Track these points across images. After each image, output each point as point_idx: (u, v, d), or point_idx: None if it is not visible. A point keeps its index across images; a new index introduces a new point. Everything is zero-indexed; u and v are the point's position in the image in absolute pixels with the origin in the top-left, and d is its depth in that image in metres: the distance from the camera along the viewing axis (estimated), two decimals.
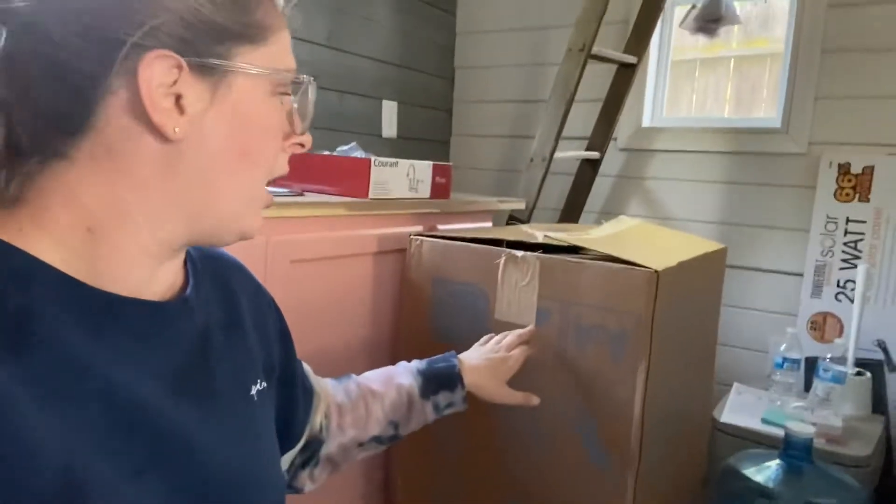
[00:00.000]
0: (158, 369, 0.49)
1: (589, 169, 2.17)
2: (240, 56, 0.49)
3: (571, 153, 2.06)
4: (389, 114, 2.21)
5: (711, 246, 1.37)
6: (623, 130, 2.21)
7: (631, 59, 2.04)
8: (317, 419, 0.76)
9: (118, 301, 0.47)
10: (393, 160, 1.34)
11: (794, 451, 1.32)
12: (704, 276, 1.33)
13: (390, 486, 1.40)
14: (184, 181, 0.49)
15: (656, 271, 1.01)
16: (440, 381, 0.84)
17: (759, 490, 1.31)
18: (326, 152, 1.46)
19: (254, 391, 0.59)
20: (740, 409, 1.66)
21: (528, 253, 1.12)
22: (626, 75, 2.08)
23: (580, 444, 1.10)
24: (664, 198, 2.17)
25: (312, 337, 1.23)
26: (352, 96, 2.07)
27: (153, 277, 0.51)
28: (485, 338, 0.99)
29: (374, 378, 0.84)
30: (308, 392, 0.75)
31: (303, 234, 1.18)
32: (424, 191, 1.45)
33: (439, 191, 1.49)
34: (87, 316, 0.45)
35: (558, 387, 1.11)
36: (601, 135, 2.15)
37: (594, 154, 2.11)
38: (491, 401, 0.90)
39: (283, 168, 0.56)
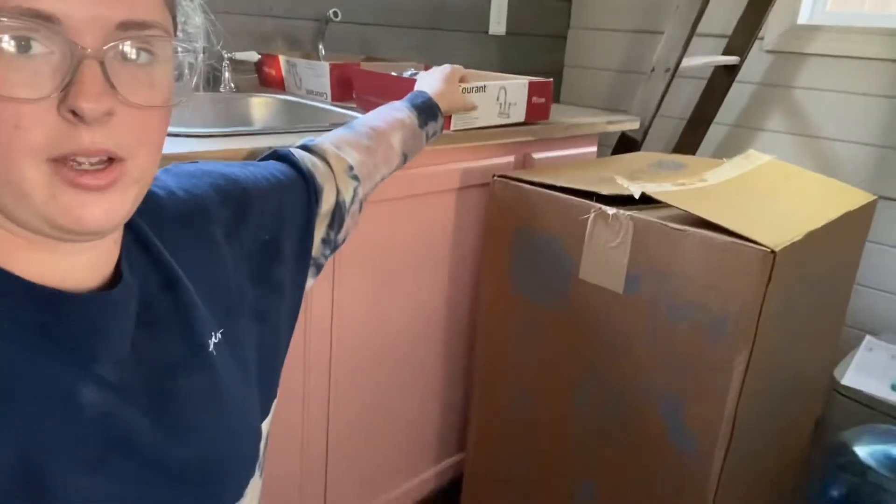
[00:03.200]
0: (107, 361, 0.48)
1: (725, 74, 1.88)
2: None
3: (703, 59, 1.77)
4: (499, 7, 2.00)
5: (857, 198, 1.14)
6: (772, 28, 1.86)
7: None
8: (329, 197, 0.75)
9: (59, 297, 0.46)
10: (480, 84, 1.20)
11: None
12: (842, 240, 1.12)
13: (465, 434, 1.38)
14: None
15: (773, 251, 0.85)
16: (427, 113, 0.95)
17: (871, 477, 1.17)
18: (410, 73, 1.33)
19: (211, 346, 0.56)
20: (867, 371, 1.47)
21: (621, 211, 0.98)
22: None
23: (661, 422, 1.00)
24: (814, 112, 1.85)
25: (389, 283, 1.18)
26: None
27: (82, 264, 0.48)
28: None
29: (376, 118, 0.88)
30: (309, 184, 0.73)
31: None
32: (518, 114, 1.30)
33: (536, 112, 1.33)
34: (30, 313, 0.44)
35: (643, 361, 1.00)
36: (744, 34, 1.83)
37: (732, 59, 1.81)
38: (453, 111, 1.09)
39: (68, 143, 0.41)
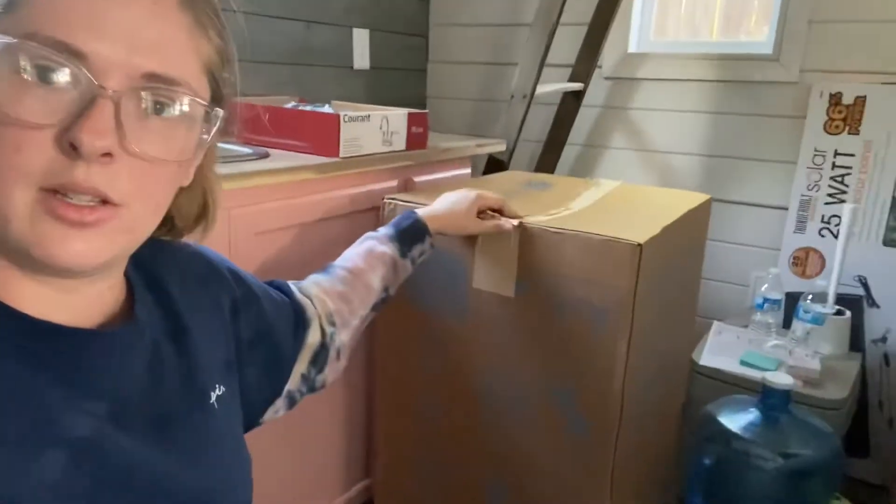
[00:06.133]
0: (103, 400, 0.47)
1: (573, 100, 2.07)
2: None
3: (554, 86, 1.95)
4: (361, 43, 2.07)
5: (695, 199, 1.32)
6: (608, 57, 2.10)
7: None
8: (315, 333, 0.77)
9: (59, 331, 0.45)
10: (364, 113, 1.26)
11: (771, 402, 1.33)
12: (689, 233, 1.29)
13: (371, 458, 1.40)
14: None
15: (639, 244, 0.97)
16: (412, 237, 0.92)
17: (736, 439, 1.34)
18: (291, 104, 1.36)
19: (213, 398, 0.57)
20: (720, 351, 1.66)
21: (507, 220, 1.07)
22: None
23: (558, 413, 1.09)
24: (649, 129, 2.10)
25: None
26: (320, 26, 1.93)
27: (75, 303, 0.47)
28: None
29: (355, 257, 0.88)
30: (299, 315, 0.76)
31: (268, 202, 1.11)
32: (400, 143, 1.37)
33: (416, 141, 1.41)
34: (24, 346, 0.43)
35: (538, 358, 1.09)
36: (586, 62, 2.04)
37: (577, 85, 2.01)
38: (460, 234, 1.04)
39: (62, 175, 0.40)
